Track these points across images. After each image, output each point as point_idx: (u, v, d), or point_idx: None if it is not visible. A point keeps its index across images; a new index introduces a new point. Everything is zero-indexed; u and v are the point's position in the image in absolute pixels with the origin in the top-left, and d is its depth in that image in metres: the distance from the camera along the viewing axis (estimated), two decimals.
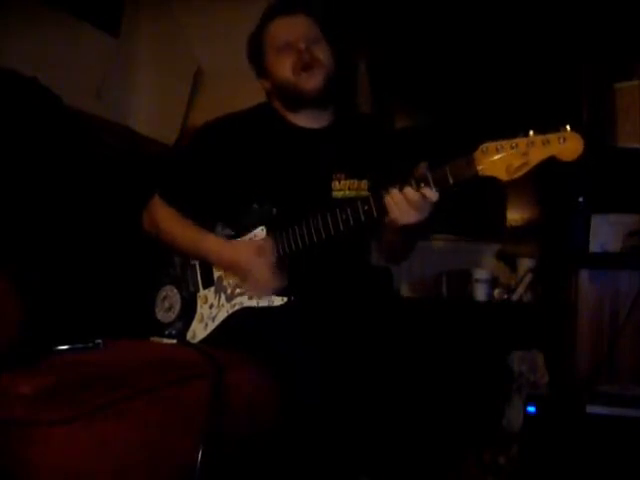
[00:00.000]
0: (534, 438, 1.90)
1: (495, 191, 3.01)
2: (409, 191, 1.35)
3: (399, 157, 1.68)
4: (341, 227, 1.45)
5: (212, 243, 1.60)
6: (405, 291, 2.97)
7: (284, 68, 1.61)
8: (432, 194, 1.34)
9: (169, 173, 1.72)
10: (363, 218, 1.43)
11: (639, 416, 1.79)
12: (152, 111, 2.76)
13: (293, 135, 1.66)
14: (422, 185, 1.34)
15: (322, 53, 1.62)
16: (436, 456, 1.56)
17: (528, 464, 1.90)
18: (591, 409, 1.83)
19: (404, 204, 1.35)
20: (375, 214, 1.42)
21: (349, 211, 1.44)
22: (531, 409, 1.96)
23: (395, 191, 1.36)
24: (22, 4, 2.17)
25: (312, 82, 1.59)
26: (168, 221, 1.65)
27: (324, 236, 1.47)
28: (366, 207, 1.42)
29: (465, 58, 3.14)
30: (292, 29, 1.62)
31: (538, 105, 2.94)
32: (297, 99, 1.63)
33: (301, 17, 1.64)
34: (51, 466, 1.03)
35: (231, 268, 1.57)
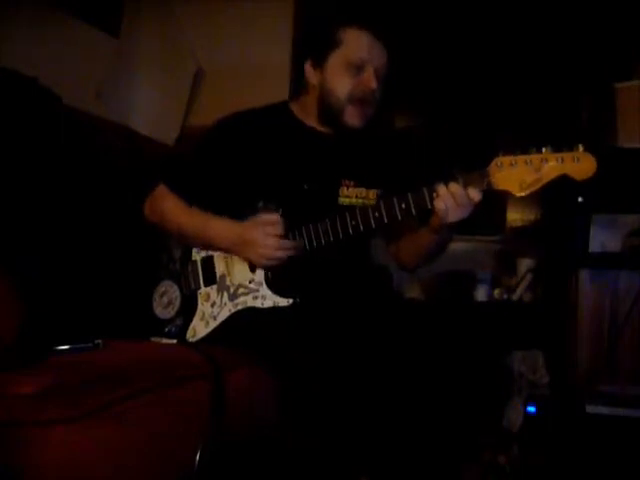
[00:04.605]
0: (534, 438, 1.90)
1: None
2: (454, 186, 1.35)
3: (412, 170, 1.68)
4: (350, 232, 1.45)
5: (218, 224, 1.57)
6: (406, 292, 2.97)
7: (343, 85, 1.55)
8: (475, 193, 1.35)
9: (177, 165, 1.70)
10: (374, 225, 1.43)
11: (639, 416, 1.79)
12: (152, 111, 2.77)
13: (306, 137, 1.65)
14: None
15: (379, 95, 1.59)
16: (436, 456, 1.56)
17: (528, 464, 1.91)
18: (591, 409, 1.84)
19: (451, 199, 1.35)
20: (386, 221, 1.42)
21: (359, 217, 1.44)
22: (531, 409, 1.97)
23: (441, 185, 1.36)
24: (23, 4, 2.18)
25: (358, 120, 1.57)
26: (174, 209, 1.63)
27: (332, 239, 1.47)
28: (377, 214, 1.42)
29: (466, 60, 3.15)
30: (375, 56, 1.56)
31: (538, 105, 2.94)
32: (332, 119, 1.59)
33: (383, 49, 1.57)
34: (51, 466, 1.03)
35: (237, 244, 1.53)
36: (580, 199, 2.25)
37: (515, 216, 3.20)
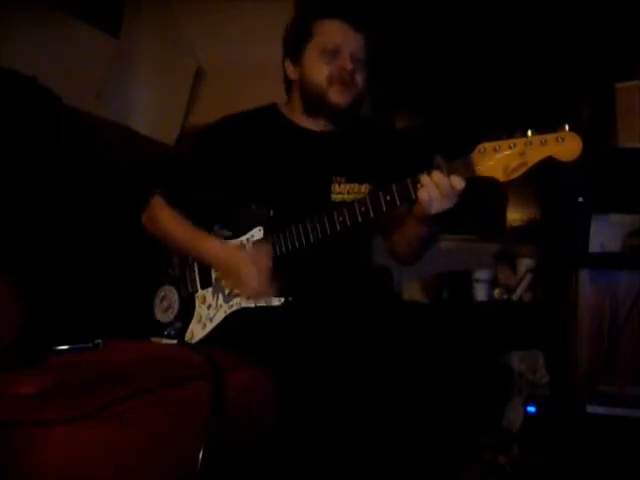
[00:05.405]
0: (534, 438, 1.91)
1: (495, 191, 3.02)
2: (437, 175, 1.33)
3: (403, 161, 1.67)
4: (338, 228, 1.45)
5: (210, 244, 1.59)
6: (405, 292, 2.97)
7: (321, 72, 1.58)
8: (458, 182, 1.32)
9: (171, 173, 1.72)
10: (360, 219, 1.42)
11: (639, 416, 1.79)
12: (152, 111, 2.77)
13: (295, 136, 1.66)
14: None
15: (361, 80, 1.60)
16: (436, 456, 1.56)
17: (528, 464, 1.91)
18: (591, 409, 1.84)
19: (435, 190, 1.33)
20: (372, 215, 1.41)
21: (345, 212, 1.44)
22: (531, 409, 1.97)
23: (425, 175, 1.34)
24: (23, 4, 2.18)
25: (341, 98, 1.57)
26: (168, 221, 1.65)
27: (321, 237, 1.47)
28: (363, 208, 1.42)
29: (465, 59, 3.15)
30: (349, 41, 1.57)
31: (538, 105, 2.94)
32: (317, 105, 1.61)
33: (361, 36, 1.59)
34: (51, 466, 1.03)
35: (227, 271, 1.57)
36: (580, 199, 2.25)
37: (515, 216, 3.20)
